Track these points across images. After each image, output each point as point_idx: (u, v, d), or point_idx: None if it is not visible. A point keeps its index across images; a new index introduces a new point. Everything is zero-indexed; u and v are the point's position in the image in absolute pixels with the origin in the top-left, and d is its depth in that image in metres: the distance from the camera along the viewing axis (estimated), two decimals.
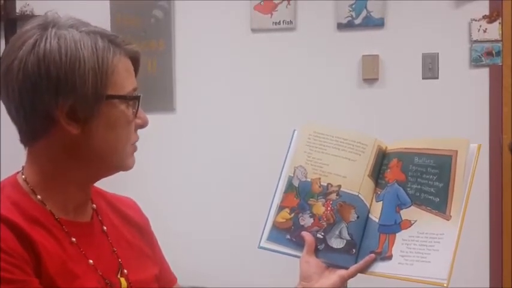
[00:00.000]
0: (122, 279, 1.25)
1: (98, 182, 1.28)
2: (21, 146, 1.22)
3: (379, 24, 3.53)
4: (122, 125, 1.20)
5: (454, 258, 1.30)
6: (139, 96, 1.22)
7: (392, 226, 1.39)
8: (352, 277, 1.39)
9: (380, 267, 1.37)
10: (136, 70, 1.25)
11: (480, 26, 3.41)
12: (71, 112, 1.15)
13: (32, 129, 1.17)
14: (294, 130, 1.53)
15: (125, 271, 1.26)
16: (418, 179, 1.39)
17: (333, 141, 1.47)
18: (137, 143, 1.26)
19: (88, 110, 1.15)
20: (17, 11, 3.93)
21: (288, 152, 1.51)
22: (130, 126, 1.22)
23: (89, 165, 1.21)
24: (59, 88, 1.13)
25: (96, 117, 1.17)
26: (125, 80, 1.20)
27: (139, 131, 1.26)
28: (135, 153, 1.26)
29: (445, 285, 1.29)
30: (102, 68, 1.15)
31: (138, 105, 1.22)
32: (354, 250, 1.40)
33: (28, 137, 1.19)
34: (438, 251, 1.32)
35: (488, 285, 3.44)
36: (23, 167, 1.23)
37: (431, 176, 1.38)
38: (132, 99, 1.21)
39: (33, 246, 1.11)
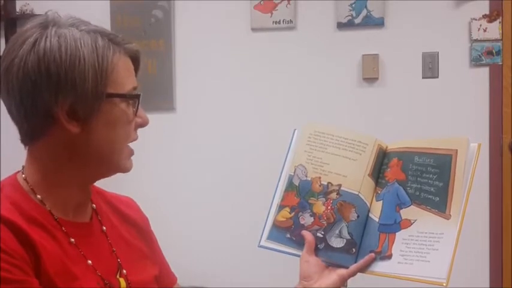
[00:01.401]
0: (121, 280, 1.25)
1: (98, 181, 1.28)
2: (22, 146, 1.22)
3: (379, 23, 3.53)
4: (122, 123, 1.20)
5: (454, 257, 1.30)
6: (139, 94, 1.22)
7: (392, 225, 1.39)
8: (352, 276, 1.39)
9: (380, 266, 1.37)
10: (136, 69, 1.25)
11: (480, 25, 3.41)
12: (71, 110, 1.15)
13: (32, 128, 1.17)
14: (295, 129, 1.53)
15: (124, 271, 1.26)
16: (418, 178, 1.39)
17: (333, 140, 1.47)
18: (137, 143, 1.25)
19: (88, 108, 1.15)
20: (17, 10, 3.93)
21: (288, 151, 1.51)
22: (130, 125, 1.22)
23: (88, 164, 1.20)
24: (59, 86, 1.13)
25: (96, 115, 1.16)
26: (125, 79, 1.20)
27: (139, 131, 1.25)
28: (134, 153, 1.26)
29: (444, 284, 1.29)
30: (102, 66, 1.15)
31: (138, 103, 1.22)
32: (354, 249, 1.39)
33: (28, 136, 1.19)
34: (438, 250, 1.32)
35: (488, 285, 3.44)
36: (23, 167, 1.23)
37: (431, 175, 1.38)
38: (132, 97, 1.21)
39: (33, 247, 1.11)
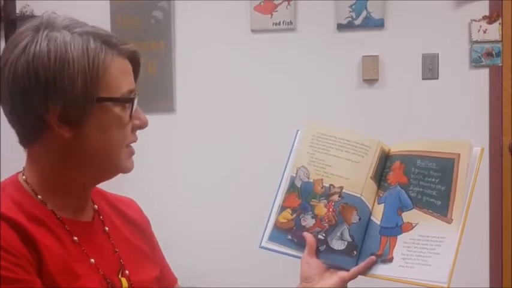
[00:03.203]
0: (123, 280, 1.25)
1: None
2: (21, 147, 1.22)
3: (379, 24, 3.53)
4: (116, 127, 1.19)
5: (455, 261, 1.30)
6: (133, 98, 1.20)
7: (394, 229, 1.38)
8: (353, 279, 1.39)
9: (381, 269, 1.37)
10: (136, 70, 1.23)
11: (480, 26, 3.41)
12: (62, 115, 1.14)
13: (27, 132, 1.17)
14: (297, 130, 1.52)
15: (126, 271, 1.26)
16: (420, 181, 1.39)
17: (336, 142, 1.47)
18: (137, 144, 1.25)
19: (79, 112, 1.14)
20: (17, 11, 3.93)
21: (290, 152, 1.51)
22: (125, 128, 1.20)
23: (85, 168, 1.20)
24: (49, 91, 1.12)
25: (89, 119, 1.15)
26: (120, 81, 1.18)
27: (139, 132, 1.25)
28: (135, 153, 1.25)
29: None
30: (92, 69, 1.14)
31: (133, 107, 1.20)
32: (355, 252, 1.39)
33: (25, 139, 1.19)
34: (439, 254, 1.32)
35: (488, 285, 3.44)
36: (23, 168, 1.23)
37: (433, 179, 1.38)
38: (125, 101, 1.19)
39: (35, 245, 1.11)
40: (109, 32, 1.20)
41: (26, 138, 1.19)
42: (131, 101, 1.20)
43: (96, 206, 1.29)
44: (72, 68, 1.12)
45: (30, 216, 1.14)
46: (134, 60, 1.22)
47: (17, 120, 1.16)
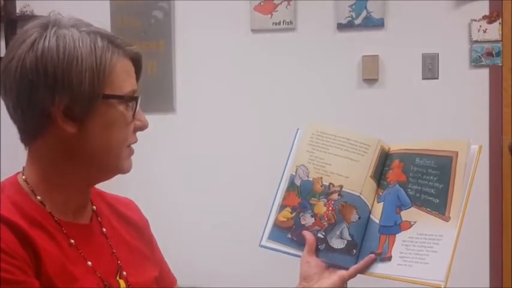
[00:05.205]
0: (121, 281, 1.25)
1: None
2: (21, 146, 1.22)
3: (379, 24, 3.53)
4: (119, 125, 1.20)
5: (453, 259, 1.30)
6: (138, 97, 1.21)
7: (393, 227, 1.38)
8: (352, 278, 1.39)
9: (379, 268, 1.37)
10: (138, 72, 1.24)
11: (480, 26, 3.41)
12: (67, 110, 1.15)
13: (30, 127, 1.17)
14: (298, 129, 1.52)
15: (124, 273, 1.26)
16: (419, 180, 1.39)
17: (335, 141, 1.47)
18: (137, 143, 1.25)
19: (84, 108, 1.15)
20: (17, 11, 3.94)
21: (290, 151, 1.51)
22: (128, 127, 1.21)
23: (86, 166, 1.20)
24: (56, 86, 1.13)
25: (93, 116, 1.16)
26: (124, 81, 1.19)
27: (140, 132, 1.25)
28: (134, 154, 1.25)
29: (442, 286, 1.29)
30: (99, 67, 1.15)
31: (136, 106, 1.21)
32: (354, 251, 1.39)
33: (27, 135, 1.19)
34: (437, 252, 1.32)
35: (488, 285, 3.44)
36: (23, 168, 1.23)
37: (431, 177, 1.38)
38: (129, 100, 1.20)
39: (34, 247, 1.11)
40: (113, 33, 1.22)
41: (28, 135, 1.19)
42: (135, 99, 1.21)
43: (94, 207, 1.29)
44: (81, 64, 1.13)
45: (29, 218, 1.14)
46: (137, 62, 1.24)
47: (21, 116, 1.17)
